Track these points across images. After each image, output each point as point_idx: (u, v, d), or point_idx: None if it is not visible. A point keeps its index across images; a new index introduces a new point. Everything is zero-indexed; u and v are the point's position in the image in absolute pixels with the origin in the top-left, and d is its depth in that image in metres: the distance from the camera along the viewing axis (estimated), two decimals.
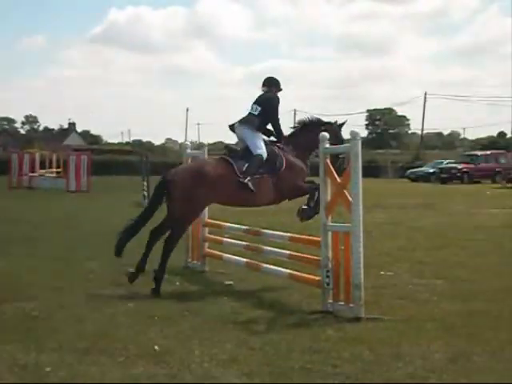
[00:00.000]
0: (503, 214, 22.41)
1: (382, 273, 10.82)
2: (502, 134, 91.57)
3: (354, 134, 7.79)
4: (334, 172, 8.19)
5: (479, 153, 54.60)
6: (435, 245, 14.06)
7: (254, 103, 10.29)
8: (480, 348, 6.61)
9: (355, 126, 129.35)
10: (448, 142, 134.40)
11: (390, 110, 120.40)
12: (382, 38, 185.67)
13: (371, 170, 63.41)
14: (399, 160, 69.24)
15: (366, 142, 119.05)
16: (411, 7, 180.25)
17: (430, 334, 7.12)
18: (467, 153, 58.45)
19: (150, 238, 9.73)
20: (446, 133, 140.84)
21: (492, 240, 14.85)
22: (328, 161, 8.33)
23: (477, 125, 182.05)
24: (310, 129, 10.29)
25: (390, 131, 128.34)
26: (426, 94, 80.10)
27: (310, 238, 8.99)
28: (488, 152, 54.21)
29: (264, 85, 10.48)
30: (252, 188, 9.69)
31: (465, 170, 49.21)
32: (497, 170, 48.67)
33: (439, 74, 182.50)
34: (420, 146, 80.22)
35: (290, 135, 10.50)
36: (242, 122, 10.23)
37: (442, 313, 8.09)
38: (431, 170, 52.80)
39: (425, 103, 79.59)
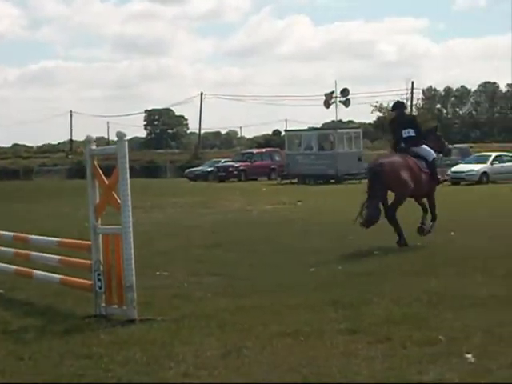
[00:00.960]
0: (277, 209, 23.18)
1: (157, 273, 10.83)
2: (276, 132, 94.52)
3: (120, 135, 7.65)
4: (102, 174, 8.06)
5: (255, 151, 56.16)
6: (211, 243, 14.27)
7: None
8: (251, 342, 6.76)
9: (134, 126, 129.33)
10: (226, 141, 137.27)
11: (168, 111, 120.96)
12: (159, 39, 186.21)
13: (150, 171, 63.50)
14: (178, 160, 69.66)
15: (145, 143, 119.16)
16: (185, 8, 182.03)
17: (203, 332, 7.20)
18: (243, 151, 59.86)
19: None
20: (223, 132, 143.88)
21: (264, 235, 15.28)
22: (96, 163, 8.18)
23: (253, 123, 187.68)
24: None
25: (169, 131, 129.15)
26: (202, 93, 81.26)
27: (79, 242, 8.82)
28: (263, 150, 55.87)
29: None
30: None
31: (242, 167, 50.37)
32: (272, 167, 50.35)
33: (216, 74, 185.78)
34: (198, 145, 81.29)
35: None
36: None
37: (215, 310, 8.19)
38: (209, 169, 53.52)
39: (201, 103, 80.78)
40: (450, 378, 5.58)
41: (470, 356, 6.11)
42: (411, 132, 13.91)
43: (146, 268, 10.64)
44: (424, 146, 14.05)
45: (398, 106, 14.96)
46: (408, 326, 7.17)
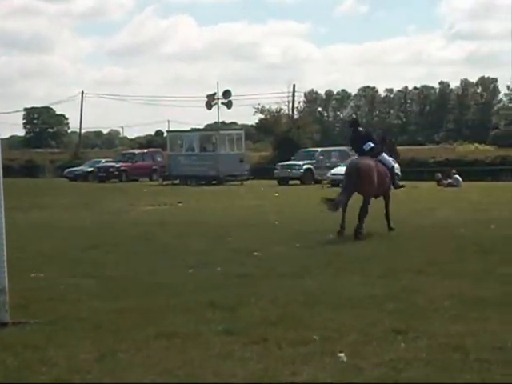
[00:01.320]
0: (158, 210, 23.06)
1: (32, 275, 10.57)
2: (159, 133, 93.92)
3: None
4: None
5: (136, 151, 55.66)
6: (89, 244, 14.04)
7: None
8: (126, 344, 6.69)
9: (13, 125, 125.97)
10: (108, 141, 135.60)
11: (48, 109, 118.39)
12: (40, 36, 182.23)
13: (29, 170, 62.06)
14: (58, 159, 68.29)
15: (24, 142, 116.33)
16: (69, 5, 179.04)
17: (78, 335, 7.08)
18: (125, 151, 59.26)
19: None
20: (105, 132, 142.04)
21: (144, 236, 15.18)
22: None
23: (136, 124, 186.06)
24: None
25: (49, 130, 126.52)
26: (82, 92, 79.84)
27: None
28: (145, 150, 55.46)
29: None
30: None
31: (123, 168, 49.83)
32: (153, 167, 50.07)
33: (98, 73, 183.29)
34: (79, 144, 79.95)
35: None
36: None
37: (91, 312, 8.07)
38: (89, 169, 52.72)
39: (82, 102, 79.31)
40: (323, 377, 5.68)
41: (342, 355, 6.23)
42: (371, 144, 15.91)
43: (20, 270, 10.39)
44: (384, 155, 16.16)
45: (353, 123, 16.86)
46: (284, 327, 7.26)
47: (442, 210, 21.23)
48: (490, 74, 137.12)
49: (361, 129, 16.39)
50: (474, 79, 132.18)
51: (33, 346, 6.64)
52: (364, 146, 15.82)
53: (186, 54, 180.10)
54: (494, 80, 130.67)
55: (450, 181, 38.31)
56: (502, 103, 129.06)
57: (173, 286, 9.55)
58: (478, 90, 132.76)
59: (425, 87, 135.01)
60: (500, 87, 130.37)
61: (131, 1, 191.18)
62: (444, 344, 6.60)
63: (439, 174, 39.65)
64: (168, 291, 9.23)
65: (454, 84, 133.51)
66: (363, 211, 15.01)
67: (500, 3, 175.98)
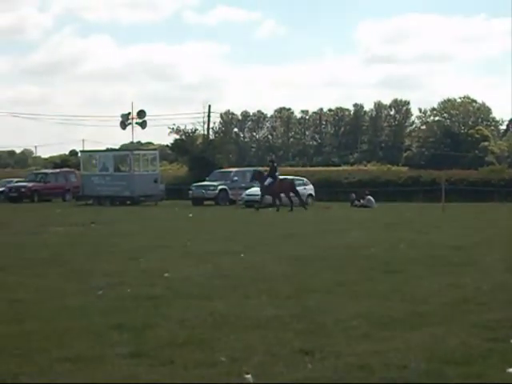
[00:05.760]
0: (69, 231, 22.70)
1: None
2: (73, 153, 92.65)
3: None
4: None
5: (49, 171, 54.81)
6: None
7: None
8: (29, 368, 6.55)
9: None
10: (21, 160, 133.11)
11: None
12: None
13: None
14: None
15: None
16: None
17: None
18: (37, 171, 58.27)
19: None
20: (18, 151, 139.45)
21: (54, 258, 14.91)
22: None
23: (50, 143, 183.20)
24: None
25: None
26: None
27: None
28: (58, 170, 54.65)
29: None
30: None
31: (34, 188, 48.95)
32: (67, 188, 49.33)
33: (12, 92, 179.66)
34: None
35: None
36: None
37: None
38: (1, 189, 51.65)
39: None
40: None
41: (249, 376, 6.23)
42: (269, 180, 32.93)
43: None
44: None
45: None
46: (191, 348, 7.22)
47: (354, 230, 21.50)
48: (402, 96, 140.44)
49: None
50: (387, 102, 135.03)
51: None
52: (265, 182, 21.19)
53: (103, 73, 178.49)
54: (407, 102, 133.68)
55: (362, 202, 38.92)
56: (414, 125, 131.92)
57: (80, 309, 9.39)
58: (392, 113, 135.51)
59: (339, 109, 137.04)
60: (412, 110, 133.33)
61: (50, 19, 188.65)
62: (350, 363, 6.66)
63: (353, 195, 40.25)
64: (75, 313, 9.07)
65: (368, 106, 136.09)
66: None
67: (414, 28, 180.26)
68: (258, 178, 37.52)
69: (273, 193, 35.48)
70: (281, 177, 37.72)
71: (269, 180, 35.73)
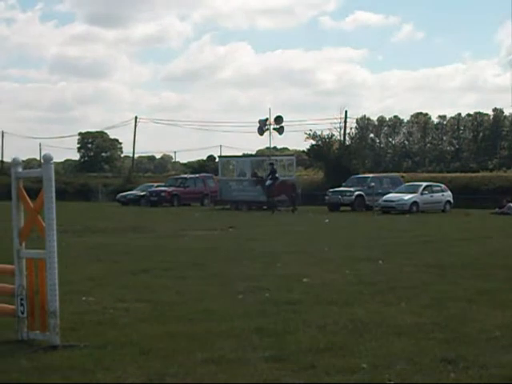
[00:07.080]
0: (209, 235, 23.14)
1: (84, 298, 10.65)
2: (211, 158, 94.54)
3: (46, 158, 7.57)
4: (27, 197, 7.94)
5: (188, 176, 55.98)
6: (140, 268, 14.11)
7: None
8: (174, 369, 6.73)
9: (67, 149, 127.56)
10: (160, 166, 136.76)
11: (102, 133, 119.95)
12: (98, 62, 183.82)
13: (83, 194, 62.82)
14: (111, 183, 69.01)
15: (79, 166, 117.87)
16: (127, 32, 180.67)
17: (126, 358, 7.12)
18: (176, 176, 59.61)
19: None
20: (158, 156, 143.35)
21: (194, 262, 15.23)
22: (21, 186, 8.06)
23: (188, 148, 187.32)
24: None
25: (103, 154, 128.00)
26: (136, 117, 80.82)
27: (2, 266, 8.62)
28: (197, 175, 55.74)
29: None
30: None
31: (174, 192, 50.13)
32: (205, 192, 50.25)
33: (153, 98, 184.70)
34: (131, 169, 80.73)
35: None
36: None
37: (140, 336, 8.12)
38: (141, 193, 53.10)
39: (136, 127, 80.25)
40: None
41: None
42: (269, 181, 33.02)
43: (72, 293, 10.55)
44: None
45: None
46: (332, 354, 7.22)
47: (495, 238, 20.95)
48: None
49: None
50: None
51: (81, 369, 6.71)
52: (266, 182, 21.55)
53: (240, 80, 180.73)
54: None
55: (503, 209, 37.82)
56: None
57: (221, 312, 9.57)
58: None
59: (478, 114, 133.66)
60: None
61: (189, 28, 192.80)
62: (495, 375, 6.50)
63: (504, 201, 38.86)
64: (216, 316, 9.25)
65: (508, 111, 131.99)
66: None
67: None
68: (258, 182, 42.10)
69: (272, 194, 40.22)
70: (282, 178, 41.89)
71: (268, 182, 40.54)
